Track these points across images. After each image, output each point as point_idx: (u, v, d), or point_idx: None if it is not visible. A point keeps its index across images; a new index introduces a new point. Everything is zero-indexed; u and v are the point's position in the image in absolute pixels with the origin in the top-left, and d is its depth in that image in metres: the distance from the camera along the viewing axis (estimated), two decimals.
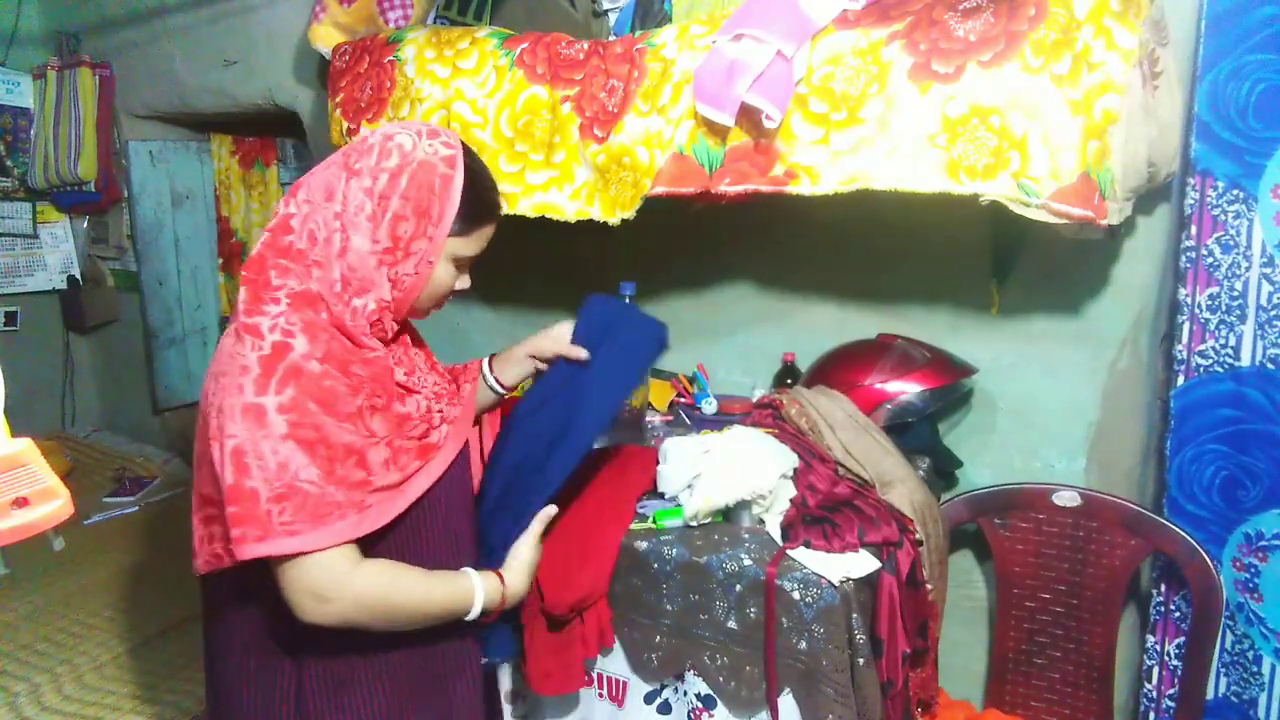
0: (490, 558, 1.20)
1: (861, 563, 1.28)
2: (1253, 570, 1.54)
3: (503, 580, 1.14)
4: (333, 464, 0.96)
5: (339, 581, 0.97)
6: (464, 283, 1.16)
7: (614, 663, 1.42)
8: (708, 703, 1.34)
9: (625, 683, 1.43)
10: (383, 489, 1.02)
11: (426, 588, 1.07)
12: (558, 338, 1.32)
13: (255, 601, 1.06)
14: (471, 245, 1.12)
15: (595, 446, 1.41)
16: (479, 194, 1.10)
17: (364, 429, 1.01)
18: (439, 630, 1.10)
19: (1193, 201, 1.49)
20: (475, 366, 1.36)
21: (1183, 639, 1.61)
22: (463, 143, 1.10)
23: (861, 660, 1.23)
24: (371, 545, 1.04)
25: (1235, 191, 1.46)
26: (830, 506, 1.39)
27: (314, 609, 0.97)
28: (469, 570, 1.13)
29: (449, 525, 1.15)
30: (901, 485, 1.46)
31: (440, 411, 1.15)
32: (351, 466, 0.98)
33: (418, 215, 1.04)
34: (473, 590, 1.10)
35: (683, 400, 1.95)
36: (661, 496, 1.46)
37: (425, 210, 1.04)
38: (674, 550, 1.35)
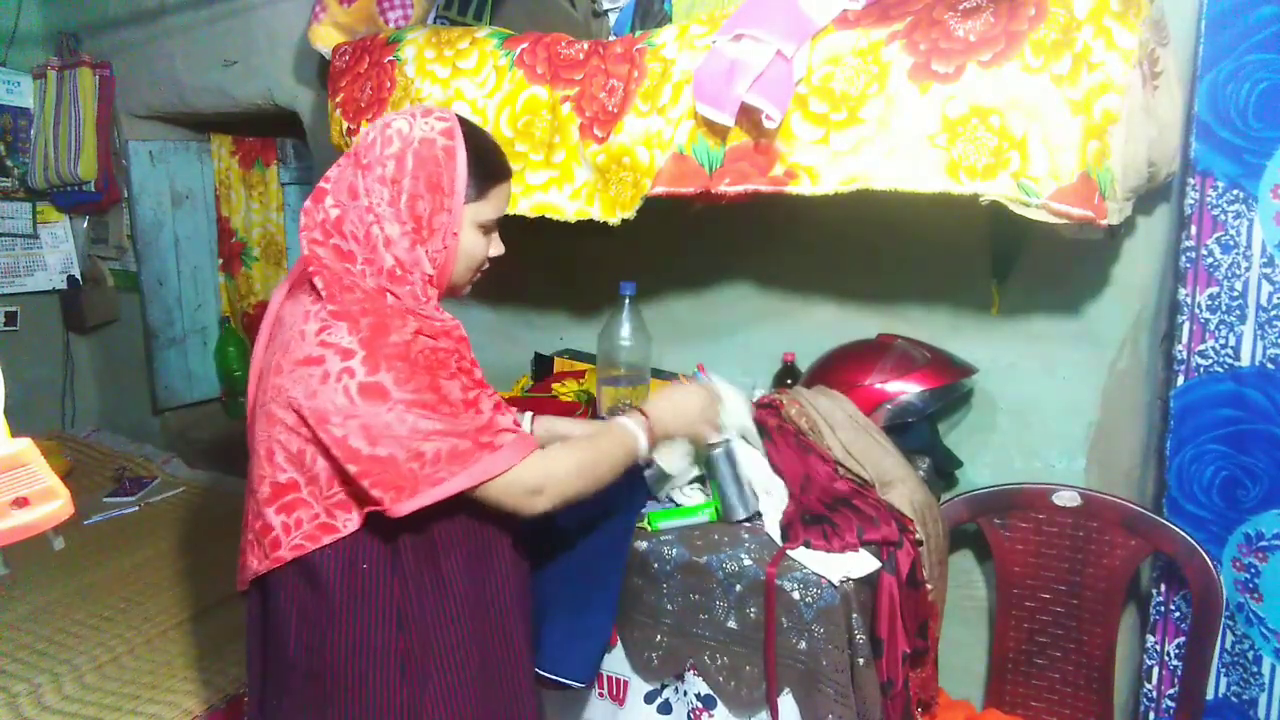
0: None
1: (861, 563, 1.28)
2: (1253, 570, 1.54)
3: (646, 414, 1.26)
4: (457, 417, 1.03)
5: (545, 472, 1.11)
6: (498, 248, 1.21)
7: (615, 662, 1.43)
8: (708, 702, 1.35)
9: (626, 682, 1.43)
10: (507, 430, 1.09)
11: (600, 442, 1.20)
12: None
13: (359, 575, 1.09)
14: (490, 208, 1.16)
15: None
16: (483, 156, 1.14)
17: (469, 381, 1.08)
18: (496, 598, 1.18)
19: (1193, 201, 1.49)
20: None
21: (1183, 639, 1.61)
22: (458, 115, 1.15)
23: (861, 660, 1.23)
24: (444, 523, 1.10)
25: (1235, 191, 1.46)
26: (830, 506, 1.39)
27: (534, 503, 1.10)
28: (616, 418, 1.27)
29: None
30: (901, 485, 1.46)
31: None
32: (473, 415, 1.06)
33: (431, 190, 1.09)
34: (628, 426, 1.22)
35: None
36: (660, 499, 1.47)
37: (437, 184, 1.09)
38: (674, 550, 1.35)
